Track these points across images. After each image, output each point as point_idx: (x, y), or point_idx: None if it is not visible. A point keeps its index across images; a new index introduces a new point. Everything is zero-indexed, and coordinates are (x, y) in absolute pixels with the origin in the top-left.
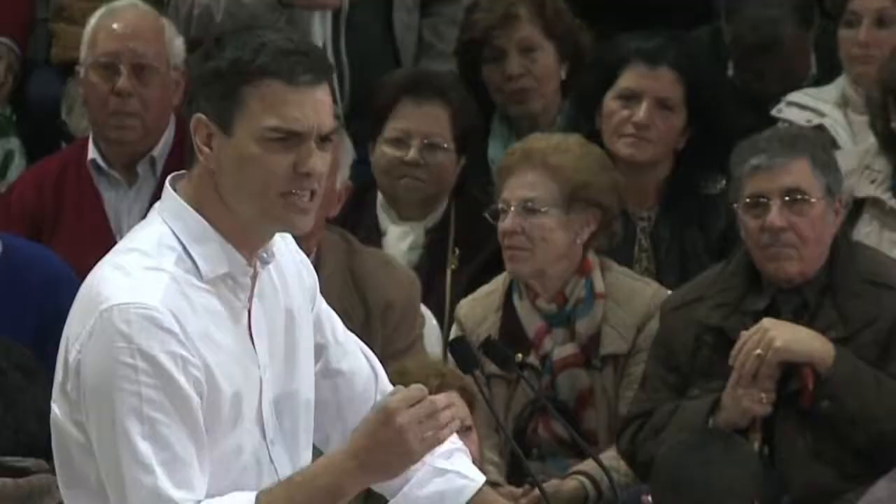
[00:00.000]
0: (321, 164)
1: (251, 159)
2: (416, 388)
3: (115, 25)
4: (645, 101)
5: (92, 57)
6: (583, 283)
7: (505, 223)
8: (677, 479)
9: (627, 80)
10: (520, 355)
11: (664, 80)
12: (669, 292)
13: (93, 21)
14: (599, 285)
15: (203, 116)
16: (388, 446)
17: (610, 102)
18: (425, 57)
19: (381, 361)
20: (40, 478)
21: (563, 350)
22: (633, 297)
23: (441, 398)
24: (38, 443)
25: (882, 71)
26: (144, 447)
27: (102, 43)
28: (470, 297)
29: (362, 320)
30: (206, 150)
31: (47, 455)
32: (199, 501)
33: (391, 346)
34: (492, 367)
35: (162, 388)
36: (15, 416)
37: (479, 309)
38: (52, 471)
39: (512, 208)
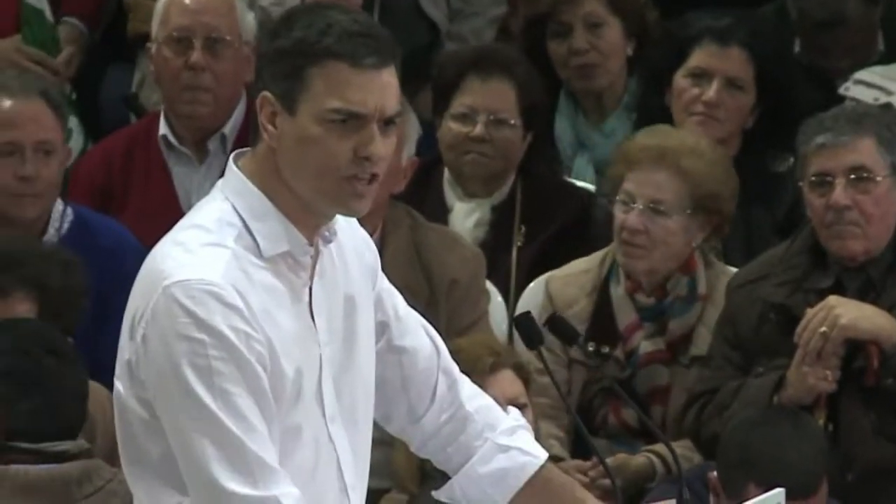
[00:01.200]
0: (383, 148)
1: (312, 140)
2: None
3: (186, 0)
4: (715, 80)
5: (164, 32)
6: (685, 282)
7: (630, 219)
8: (746, 455)
9: (698, 58)
10: (606, 348)
11: (735, 59)
12: None
13: None
14: (702, 287)
15: (268, 94)
16: None
17: (680, 80)
18: (455, 22)
19: (445, 339)
20: (76, 465)
21: (650, 345)
22: None
23: None
24: (77, 424)
25: None
26: (221, 416)
27: (175, 18)
28: (562, 272)
29: (427, 297)
30: (270, 128)
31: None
32: (276, 469)
33: (456, 323)
34: (575, 353)
35: (230, 361)
36: (52, 401)
37: (571, 288)
38: (90, 452)
39: (638, 205)
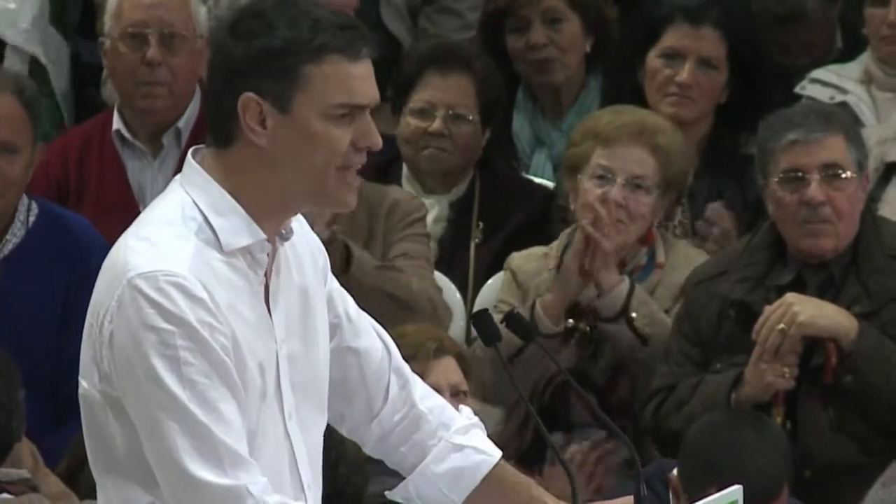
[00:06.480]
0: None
1: (315, 136)
2: None
3: None
4: (688, 60)
5: (119, 28)
6: (644, 252)
7: (613, 192)
8: (708, 460)
9: (671, 38)
10: (571, 321)
11: (707, 38)
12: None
13: None
14: (661, 255)
15: (254, 95)
16: None
17: (653, 61)
18: (419, 41)
19: (384, 252)
20: (31, 498)
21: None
22: (689, 263)
23: None
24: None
25: None
26: (191, 406)
27: (129, 13)
28: (521, 253)
29: (367, 230)
30: (258, 129)
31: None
32: (244, 458)
33: (391, 238)
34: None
35: (198, 351)
36: None
37: (533, 263)
38: (30, 484)
39: (619, 180)
